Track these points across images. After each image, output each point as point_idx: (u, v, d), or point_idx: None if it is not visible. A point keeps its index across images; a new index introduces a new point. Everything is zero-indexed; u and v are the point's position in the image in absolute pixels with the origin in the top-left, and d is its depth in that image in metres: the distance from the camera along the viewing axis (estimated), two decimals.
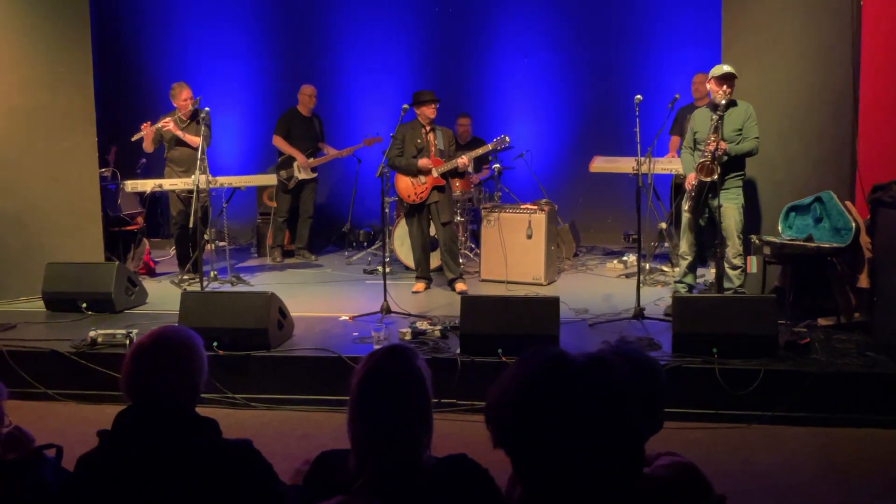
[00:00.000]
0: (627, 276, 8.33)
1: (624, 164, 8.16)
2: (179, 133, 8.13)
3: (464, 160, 7.54)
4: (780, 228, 6.49)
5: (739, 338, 5.26)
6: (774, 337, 5.30)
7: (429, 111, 7.53)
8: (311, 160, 9.34)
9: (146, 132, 8.16)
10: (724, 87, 6.33)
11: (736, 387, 5.02)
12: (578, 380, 1.58)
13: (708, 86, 6.48)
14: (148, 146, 8.29)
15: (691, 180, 6.50)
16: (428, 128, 7.61)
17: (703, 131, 6.47)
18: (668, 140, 8.92)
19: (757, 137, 6.35)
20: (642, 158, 6.52)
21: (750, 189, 6.76)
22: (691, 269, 6.76)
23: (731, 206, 6.41)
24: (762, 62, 6.79)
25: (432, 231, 7.83)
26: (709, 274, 7.47)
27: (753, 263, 6.53)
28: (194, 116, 8.16)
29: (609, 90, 10.38)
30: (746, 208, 6.52)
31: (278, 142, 9.35)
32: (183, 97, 8.22)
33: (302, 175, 9.30)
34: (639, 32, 10.50)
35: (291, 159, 9.28)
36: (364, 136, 9.49)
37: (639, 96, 6.45)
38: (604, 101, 10.44)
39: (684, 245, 6.74)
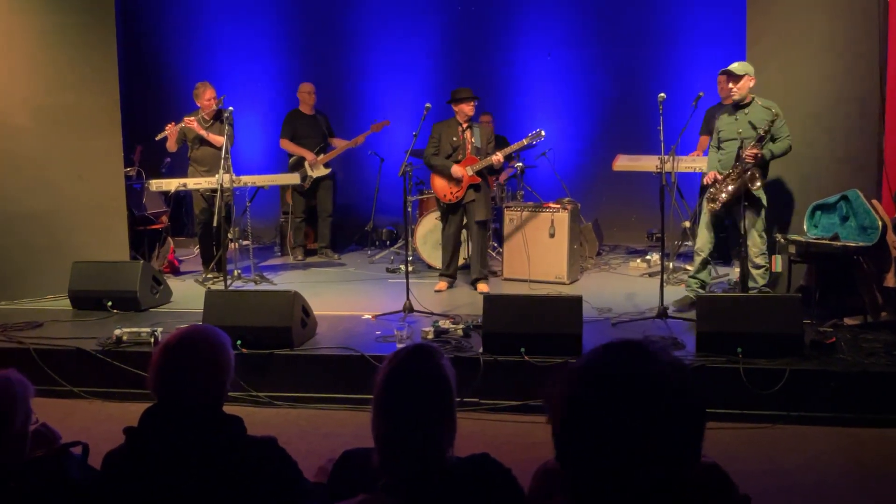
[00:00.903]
0: (651, 274, 8.29)
1: (647, 163, 8.12)
2: (203, 132, 8.19)
3: (498, 157, 7.49)
4: (805, 227, 6.43)
5: (764, 337, 5.22)
6: (800, 336, 5.25)
7: (467, 108, 7.52)
8: (321, 156, 9.33)
9: (170, 131, 8.22)
10: (729, 83, 6.38)
11: (761, 386, 4.98)
12: (656, 374, 1.57)
13: None
14: (172, 145, 8.36)
15: (710, 178, 6.49)
16: (465, 125, 7.59)
17: (726, 131, 6.50)
18: (693, 138, 8.87)
19: (788, 136, 6.33)
20: (666, 157, 6.49)
21: (775, 187, 6.71)
22: (705, 265, 6.74)
23: (753, 206, 6.37)
24: (787, 58, 6.73)
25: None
26: (733, 273, 7.42)
27: (779, 262, 6.48)
28: (218, 116, 8.22)
29: (632, 88, 10.34)
30: (772, 207, 6.47)
31: (286, 145, 9.37)
32: (207, 97, 8.27)
33: (315, 173, 9.30)
34: (662, 30, 10.45)
35: (302, 160, 9.29)
36: (371, 122, 9.46)
37: (662, 94, 6.41)
38: (627, 99, 10.39)
39: (700, 241, 6.72)
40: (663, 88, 6.66)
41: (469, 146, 7.56)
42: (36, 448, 2.40)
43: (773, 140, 6.32)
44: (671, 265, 8.16)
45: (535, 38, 10.84)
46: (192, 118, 8.23)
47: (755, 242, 6.39)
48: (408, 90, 10.78)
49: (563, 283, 7.86)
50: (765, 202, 6.38)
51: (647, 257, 8.94)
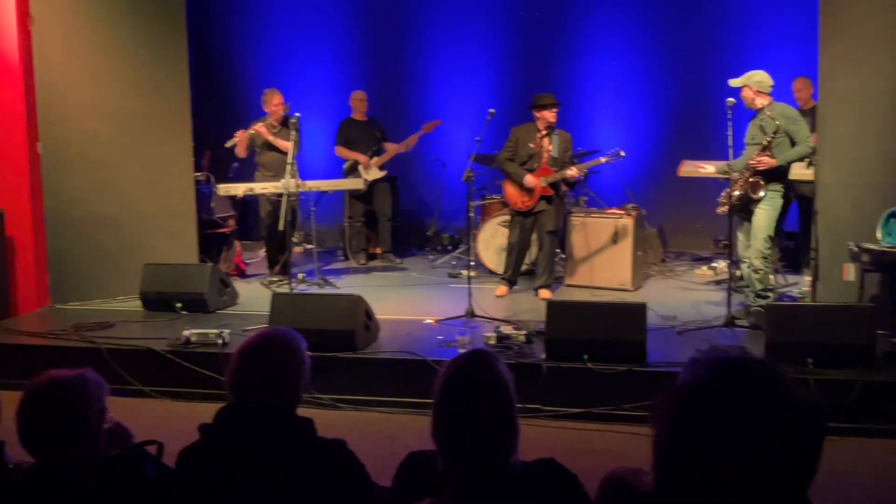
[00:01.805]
0: (717, 282, 8.16)
1: (713, 169, 7.99)
2: (270, 138, 8.32)
3: (573, 171, 7.41)
4: (878, 235, 6.26)
5: (836, 348, 5.10)
6: (872, 347, 5.13)
7: (550, 115, 7.40)
8: (374, 159, 9.38)
9: (240, 138, 8.36)
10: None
11: (831, 398, 4.87)
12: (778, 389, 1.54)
13: None
14: (241, 151, 8.50)
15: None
16: (544, 132, 7.48)
17: (747, 136, 6.64)
18: None
19: (807, 139, 6.36)
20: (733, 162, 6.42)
21: (846, 194, 6.56)
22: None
23: (763, 208, 6.40)
24: (862, 62, 6.55)
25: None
26: (803, 282, 7.27)
27: (851, 271, 6.33)
28: (285, 122, 8.33)
29: (699, 93, 10.17)
30: (843, 213, 6.35)
31: (340, 151, 9.45)
32: (274, 103, 8.41)
33: (370, 175, 9.32)
34: (732, 33, 10.28)
35: (356, 164, 9.37)
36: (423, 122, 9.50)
37: (731, 99, 6.34)
38: (693, 105, 10.24)
39: (740, 247, 6.75)
40: (731, 93, 6.56)
41: (546, 155, 7.46)
42: (111, 446, 2.47)
43: (793, 144, 6.37)
44: (738, 273, 8.02)
45: (600, 43, 10.76)
46: (261, 124, 8.37)
47: (756, 247, 6.40)
48: (471, 95, 10.78)
49: (627, 290, 7.78)
50: (774, 208, 6.40)
51: (713, 264, 8.79)
